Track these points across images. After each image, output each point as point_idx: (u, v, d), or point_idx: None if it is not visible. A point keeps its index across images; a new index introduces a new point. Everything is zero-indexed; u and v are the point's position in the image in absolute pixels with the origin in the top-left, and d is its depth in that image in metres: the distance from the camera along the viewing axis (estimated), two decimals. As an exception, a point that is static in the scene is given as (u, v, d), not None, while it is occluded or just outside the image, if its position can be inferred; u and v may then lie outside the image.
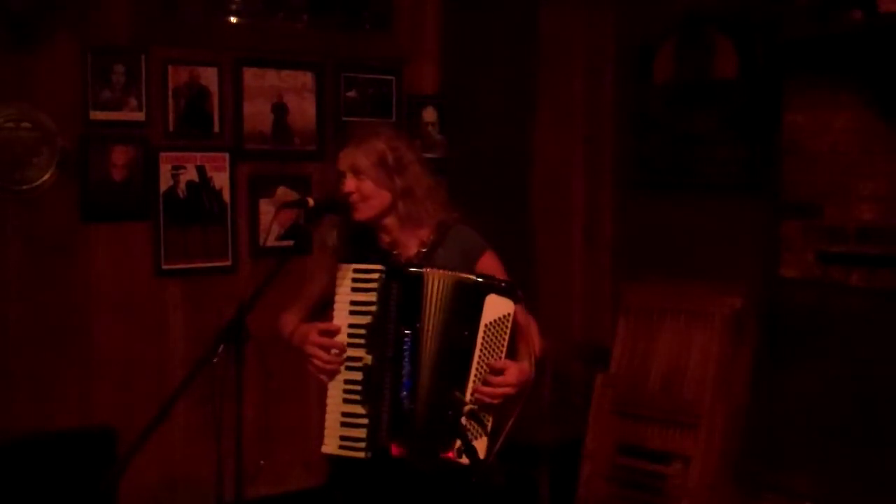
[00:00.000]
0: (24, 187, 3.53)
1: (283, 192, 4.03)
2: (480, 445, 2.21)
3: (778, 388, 3.78)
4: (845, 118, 3.59)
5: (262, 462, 3.59)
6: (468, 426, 2.19)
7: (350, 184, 2.34)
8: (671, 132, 4.31)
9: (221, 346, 2.15)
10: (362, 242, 2.42)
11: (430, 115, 4.40)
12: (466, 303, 2.22)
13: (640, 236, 4.49)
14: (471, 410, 2.18)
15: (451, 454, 2.18)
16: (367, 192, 2.34)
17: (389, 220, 2.41)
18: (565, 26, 4.69)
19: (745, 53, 3.99)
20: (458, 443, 2.16)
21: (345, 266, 2.29)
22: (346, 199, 2.34)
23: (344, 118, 4.16)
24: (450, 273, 2.25)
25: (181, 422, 3.68)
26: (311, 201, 2.33)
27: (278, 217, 3.86)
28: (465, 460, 2.16)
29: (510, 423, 2.25)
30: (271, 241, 3.96)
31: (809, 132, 3.69)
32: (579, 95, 4.74)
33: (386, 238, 2.44)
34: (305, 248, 2.93)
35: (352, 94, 4.21)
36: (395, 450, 2.23)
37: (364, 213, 2.36)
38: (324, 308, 2.42)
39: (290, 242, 3.83)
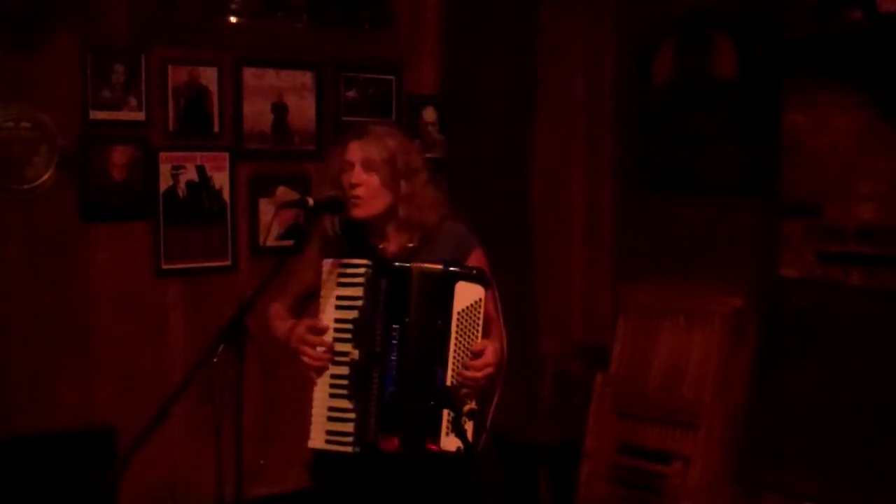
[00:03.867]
0: (24, 187, 3.53)
1: (283, 192, 4.03)
2: (466, 429, 2.22)
3: (778, 388, 3.78)
4: (845, 118, 3.58)
5: (262, 462, 3.59)
6: (450, 413, 2.20)
7: (359, 175, 2.32)
8: (671, 132, 4.30)
9: (221, 346, 2.15)
10: (353, 238, 2.42)
11: (430, 115, 4.41)
12: (437, 292, 2.23)
13: (640, 236, 4.48)
14: (451, 396, 2.19)
15: (436, 445, 2.18)
16: (373, 188, 2.32)
17: (385, 225, 2.40)
18: (565, 26, 4.69)
19: (745, 53, 3.98)
20: (445, 428, 2.17)
21: (330, 261, 2.29)
22: (350, 192, 2.32)
23: (344, 118, 4.17)
24: (427, 266, 2.26)
25: (181, 422, 3.68)
26: (310, 201, 2.33)
27: (278, 217, 3.86)
28: (450, 447, 2.16)
29: (493, 406, 2.27)
30: (271, 241, 3.96)
31: (809, 132, 3.69)
32: (579, 95, 4.74)
33: (378, 238, 2.43)
34: (305, 248, 2.92)
35: (352, 93, 4.21)
36: (385, 445, 2.22)
37: (364, 210, 2.34)
38: (311, 298, 2.42)
39: (290, 242, 3.82)
